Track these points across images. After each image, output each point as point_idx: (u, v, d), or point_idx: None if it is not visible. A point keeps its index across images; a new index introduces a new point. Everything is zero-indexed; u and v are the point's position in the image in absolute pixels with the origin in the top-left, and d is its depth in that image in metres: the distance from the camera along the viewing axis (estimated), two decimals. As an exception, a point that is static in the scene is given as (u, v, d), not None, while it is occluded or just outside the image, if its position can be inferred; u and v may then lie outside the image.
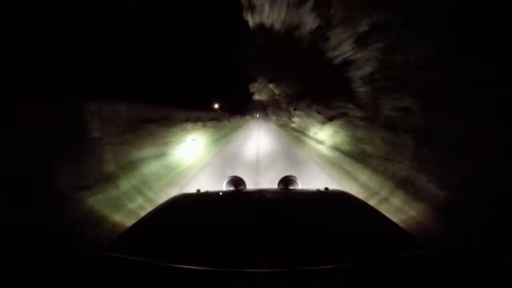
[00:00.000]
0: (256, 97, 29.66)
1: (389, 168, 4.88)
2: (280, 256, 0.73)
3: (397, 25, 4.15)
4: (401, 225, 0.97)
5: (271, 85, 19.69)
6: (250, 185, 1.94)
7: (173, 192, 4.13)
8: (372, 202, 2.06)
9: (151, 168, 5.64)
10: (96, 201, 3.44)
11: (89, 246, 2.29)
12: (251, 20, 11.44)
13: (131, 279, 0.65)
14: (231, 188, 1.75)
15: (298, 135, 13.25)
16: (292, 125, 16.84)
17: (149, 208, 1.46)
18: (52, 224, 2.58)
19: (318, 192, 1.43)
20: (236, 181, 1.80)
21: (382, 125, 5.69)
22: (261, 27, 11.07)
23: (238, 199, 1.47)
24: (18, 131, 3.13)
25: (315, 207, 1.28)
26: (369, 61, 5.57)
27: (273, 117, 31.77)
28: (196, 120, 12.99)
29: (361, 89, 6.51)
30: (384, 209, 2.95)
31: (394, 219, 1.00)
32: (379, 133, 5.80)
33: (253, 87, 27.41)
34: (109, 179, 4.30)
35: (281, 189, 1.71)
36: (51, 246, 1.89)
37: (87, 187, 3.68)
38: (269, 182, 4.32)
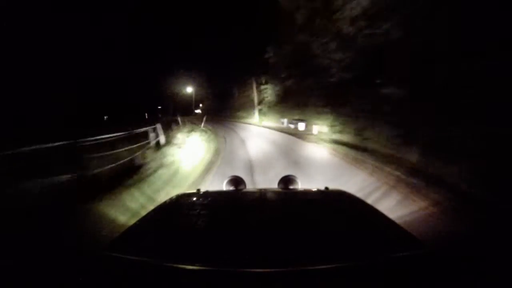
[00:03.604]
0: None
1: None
2: (280, 255, 0.73)
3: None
4: None
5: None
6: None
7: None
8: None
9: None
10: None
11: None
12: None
13: (131, 279, 0.65)
14: (231, 188, 1.76)
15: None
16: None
17: None
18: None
19: (318, 191, 1.44)
20: (236, 181, 1.81)
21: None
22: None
23: (238, 198, 1.47)
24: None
25: (315, 206, 1.28)
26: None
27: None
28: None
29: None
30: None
31: None
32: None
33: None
34: None
35: (281, 188, 1.72)
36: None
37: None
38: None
